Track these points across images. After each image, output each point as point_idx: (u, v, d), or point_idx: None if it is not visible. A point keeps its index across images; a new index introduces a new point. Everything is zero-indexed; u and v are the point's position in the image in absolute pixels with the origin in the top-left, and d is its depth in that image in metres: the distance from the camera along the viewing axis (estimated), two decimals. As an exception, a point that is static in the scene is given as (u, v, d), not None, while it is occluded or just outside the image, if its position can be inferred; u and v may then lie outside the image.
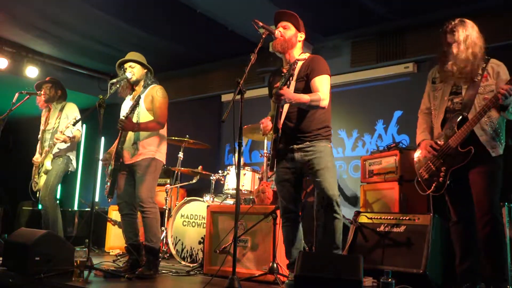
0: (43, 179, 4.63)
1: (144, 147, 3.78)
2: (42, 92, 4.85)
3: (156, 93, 3.84)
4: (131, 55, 3.96)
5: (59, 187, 4.97)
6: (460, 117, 3.00)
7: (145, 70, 3.95)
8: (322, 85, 3.01)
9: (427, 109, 3.30)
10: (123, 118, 3.64)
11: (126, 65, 3.92)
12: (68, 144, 4.69)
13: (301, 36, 3.23)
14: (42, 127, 4.90)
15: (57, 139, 4.47)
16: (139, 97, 3.70)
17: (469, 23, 3.04)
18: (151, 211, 3.73)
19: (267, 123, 3.10)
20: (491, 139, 2.96)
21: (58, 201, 4.77)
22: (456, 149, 2.98)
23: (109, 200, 3.84)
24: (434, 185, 3.08)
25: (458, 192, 3.09)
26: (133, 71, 3.89)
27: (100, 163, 4.07)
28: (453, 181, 3.03)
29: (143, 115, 3.80)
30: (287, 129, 3.10)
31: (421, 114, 3.34)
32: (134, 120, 3.73)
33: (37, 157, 4.79)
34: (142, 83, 3.93)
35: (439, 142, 3.09)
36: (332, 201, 2.97)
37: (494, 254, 2.92)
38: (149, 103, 3.83)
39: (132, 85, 3.95)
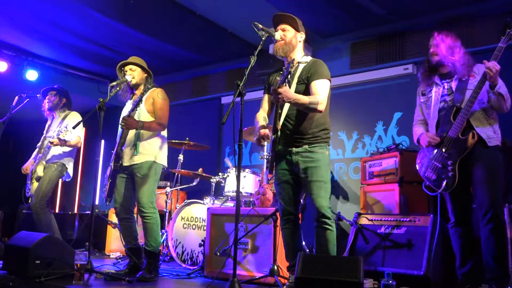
0: (35, 185, 4.58)
1: (145, 149, 3.78)
2: (45, 99, 4.84)
3: (157, 95, 3.85)
4: (132, 58, 3.98)
5: (58, 191, 4.93)
6: (454, 109, 3.08)
7: (145, 74, 3.97)
8: (321, 89, 3.02)
9: (420, 120, 3.40)
10: (126, 116, 3.65)
11: (127, 68, 3.93)
12: (64, 150, 4.64)
13: (301, 36, 3.24)
14: (44, 134, 4.89)
15: (51, 142, 4.43)
16: (142, 94, 3.69)
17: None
18: (152, 216, 3.74)
19: (265, 131, 3.06)
20: (486, 129, 3.03)
21: (50, 206, 4.72)
22: (457, 138, 3.02)
23: (108, 203, 3.84)
24: (444, 182, 3.05)
25: (458, 190, 3.08)
26: (134, 74, 3.90)
27: (100, 165, 4.06)
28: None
29: (144, 117, 3.80)
30: (286, 130, 3.11)
31: (416, 125, 3.41)
32: None
33: (26, 166, 4.74)
34: (142, 87, 3.95)
35: (439, 136, 3.14)
36: (323, 213, 2.98)
37: (496, 251, 2.92)
38: (150, 105, 3.84)
39: (132, 89, 3.96)
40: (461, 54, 3.18)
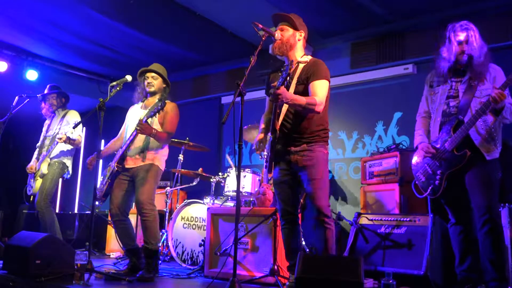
0: (38, 183, 4.62)
1: (149, 153, 3.85)
2: (46, 104, 4.89)
3: (171, 110, 3.93)
4: (155, 66, 4.05)
5: (59, 190, 4.96)
6: (456, 121, 3.04)
7: (164, 85, 4.06)
8: (320, 89, 3.02)
9: (425, 112, 3.34)
10: (142, 121, 3.68)
11: (148, 75, 3.99)
12: (67, 148, 4.71)
13: (300, 34, 3.21)
14: (43, 134, 4.91)
15: (58, 139, 4.49)
16: (164, 103, 3.73)
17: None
18: (151, 214, 3.75)
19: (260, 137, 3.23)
20: (486, 142, 2.98)
21: (52, 205, 4.76)
22: (452, 152, 3.01)
23: (101, 203, 3.86)
24: (430, 188, 3.10)
25: (455, 195, 3.10)
26: (154, 82, 3.99)
27: (100, 165, 4.10)
28: (449, 184, 3.05)
29: (154, 127, 3.84)
30: (284, 129, 3.10)
31: (419, 118, 3.37)
32: None
33: (31, 165, 4.77)
34: (158, 96, 4.02)
35: (436, 146, 3.11)
36: (322, 211, 2.96)
37: (493, 254, 2.92)
38: (161, 117, 3.91)
39: (147, 94, 4.04)
40: (486, 53, 3.03)
